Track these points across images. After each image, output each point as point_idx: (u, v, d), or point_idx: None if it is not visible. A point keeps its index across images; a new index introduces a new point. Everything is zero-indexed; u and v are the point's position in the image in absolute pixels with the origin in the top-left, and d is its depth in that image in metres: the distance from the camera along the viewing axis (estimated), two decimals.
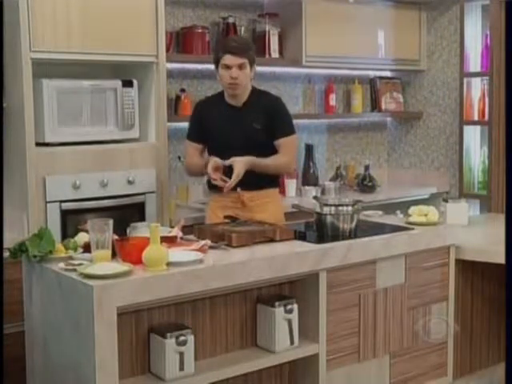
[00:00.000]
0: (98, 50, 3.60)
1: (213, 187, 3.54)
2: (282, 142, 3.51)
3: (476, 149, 5.02)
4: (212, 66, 4.48)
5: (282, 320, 2.79)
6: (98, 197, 3.63)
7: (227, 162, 3.36)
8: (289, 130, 3.55)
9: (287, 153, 3.52)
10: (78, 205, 3.57)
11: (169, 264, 2.51)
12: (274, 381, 2.95)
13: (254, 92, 3.56)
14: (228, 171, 3.38)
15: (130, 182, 3.73)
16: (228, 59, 3.41)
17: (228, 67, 3.41)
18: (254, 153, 3.42)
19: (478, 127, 4.97)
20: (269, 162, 3.46)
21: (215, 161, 3.39)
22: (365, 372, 3.09)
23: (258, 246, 2.87)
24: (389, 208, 4.27)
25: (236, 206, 3.47)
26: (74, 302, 2.41)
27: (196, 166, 3.59)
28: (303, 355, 2.89)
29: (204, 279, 2.54)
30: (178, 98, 4.37)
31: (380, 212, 3.63)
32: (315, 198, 3.40)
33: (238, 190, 3.45)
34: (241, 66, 3.41)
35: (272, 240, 2.93)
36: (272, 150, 3.51)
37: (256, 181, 3.45)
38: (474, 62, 4.94)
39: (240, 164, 3.34)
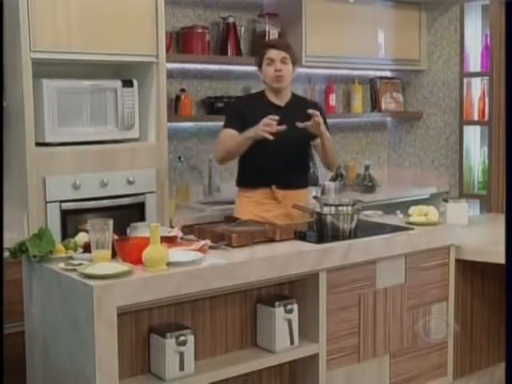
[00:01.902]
0: (98, 50, 3.60)
1: (244, 183, 3.66)
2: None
3: (476, 149, 5.02)
4: (212, 66, 4.54)
5: (282, 320, 2.79)
6: (97, 197, 3.63)
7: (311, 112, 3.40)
8: (329, 130, 3.64)
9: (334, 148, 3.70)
10: (78, 205, 3.57)
11: (169, 264, 2.51)
12: (274, 381, 2.95)
13: (294, 95, 3.72)
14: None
15: (129, 182, 3.73)
16: (272, 53, 3.53)
17: (272, 61, 3.53)
18: (293, 152, 3.57)
19: (478, 127, 4.98)
20: (332, 142, 3.62)
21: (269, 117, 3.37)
22: (365, 372, 3.09)
23: (258, 245, 2.87)
24: (389, 208, 4.27)
25: (269, 202, 3.57)
26: (74, 302, 2.41)
27: (235, 141, 3.50)
28: (303, 355, 2.89)
29: (204, 279, 2.54)
30: (178, 98, 4.37)
31: (380, 212, 3.63)
32: (315, 197, 3.40)
33: (273, 187, 3.57)
34: (284, 60, 3.54)
35: (272, 240, 2.93)
36: (308, 152, 3.72)
37: (290, 180, 3.60)
38: (474, 62, 4.94)
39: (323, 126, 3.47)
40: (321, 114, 3.60)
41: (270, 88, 3.62)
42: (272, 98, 3.62)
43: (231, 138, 3.54)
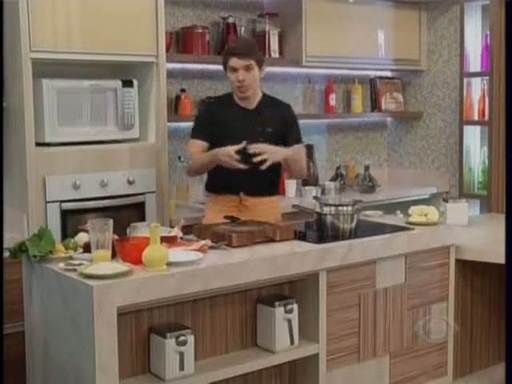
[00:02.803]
0: (98, 49, 3.60)
1: (213, 189, 3.55)
2: (301, 151, 3.55)
3: (476, 149, 5.02)
4: (212, 66, 4.53)
5: (282, 320, 2.79)
6: (97, 197, 3.63)
7: (252, 148, 3.25)
8: (300, 137, 3.59)
9: (304, 160, 3.59)
10: (78, 205, 3.57)
11: (169, 264, 2.51)
12: (274, 381, 2.95)
13: (265, 96, 3.58)
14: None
15: (129, 182, 3.73)
16: (233, 62, 3.39)
17: (235, 70, 3.39)
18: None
19: (478, 127, 4.98)
20: (298, 158, 3.49)
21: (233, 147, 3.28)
22: (365, 372, 3.09)
23: (258, 245, 2.87)
24: (389, 208, 4.27)
25: (239, 210, 3.44)
26: (74, 302, 2.41)
27: (202, 160, 3.42)
28: (303, 355, 2.89)
29: (204, 279, 2.54)
30: (177, 97, 4.37)
31: (380, 212, 3.63)
32: (315, 198, 3.40)
33: (241, 194, 3.47)
34: (247, 68, 3.38)
35: (272, 240, 2.93)
36: None
37: (259, 187, 3.48)
38: (474, 62, 4.94)
39: (280, 153, 3.33)
40: (293, 119, 3.58)
41: (235, 93, 3.50)
42: (240, 101, 3.49)
43: (199, 154, 3.43)
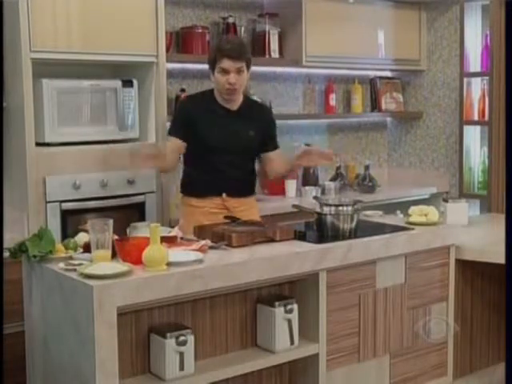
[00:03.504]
0: (97, 49, 3.60)
1: (191, 191, 3.47)
2: (276, 154, 3.59)
3: (476, 149, 5.02)
4: None
5: (282, 320, 2.79)
6: (97, 197, 3.63)
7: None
8: (277, 142, 3.63)
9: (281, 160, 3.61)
10: (78, 205, 3.57)
11: (169, 264, 2.51)
12: (274, 381, 2.95)
13: (246, 98, 3.54)
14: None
15: (129, 182, 3.73)
16: (226, 64, 3.27)
17: (226, 72, 3.29)
18: (248, 158, 3.48)
19: (478, 127, 4.97)
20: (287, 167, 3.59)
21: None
22: (365, 372, 3.09)
23: (258, 245, 2.87)
24: (389, 208, 4.27)
25: (220, 212, 3.36)
26: (74, 302, 2.41)
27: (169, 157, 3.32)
28: (303, 355, 2.89)
29: (204, 279, 2.54)
30: (177, 98, 4.37)
31: (380, 212, 3.63)
32: (315, 198, 3.40)
33: (224, 195, 3.43)
34: (239, 71, 3.30)
35: (272, 240, 2.93)
36: (255, 159, 3.58)
37: (241, 188, 3.48)
38: (474, 62, 4.94)
39: None
40: (273, 124, 3.59)
41: (219, 94, 3.40)
42: (223, 102, 3.41)
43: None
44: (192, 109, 3.44)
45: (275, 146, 3.59)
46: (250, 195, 3.57)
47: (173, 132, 3.45)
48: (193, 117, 3.40)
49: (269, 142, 3.55)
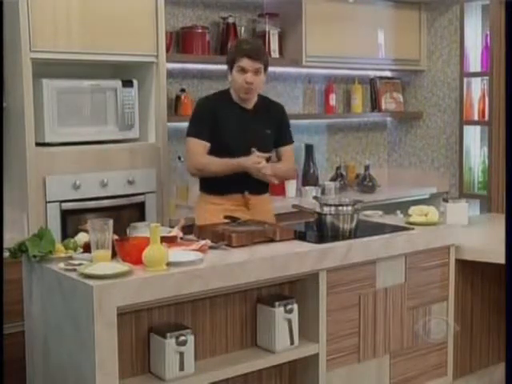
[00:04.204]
0: (98, 49, 3.60)
1: (213, 190, 3.52)
2: (288, 150, 3.62)
3: (476, 149, 5.02)
4: (212, 66, 4.53)
5: (282, 320, 2.79)
6: (97, 197, 3.64)
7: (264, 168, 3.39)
8: (291, 138, 3.66)
9: (291, 160, 3.65)
10: (78, 205, 3.57)
11: (169, 264, 2.51)
12: (274, 381, 2.95)
13: (260, 96, 3.59)
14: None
15: (130, 182, 3.73)
16: (245, 63, 3.37)
17: (244, 71, 3.38)
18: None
19: (478, 127, 4.97)
20: (284, 169, 3.58)
21: (259, 155, 3.39)
22: (365, 372, 3.09)
23: (257, 245, 2.87)
24: (389, 208, 4.27)
25: (239, 209, 3.43)
26: (74, 302, 2.41)
27: (222, 164, 3.39)
28: (303, 355, 2.89)
29: (204, 279, 2.54)
30: (178, 97, 4.37)
31: (380, 212, 3.63)
32: (315, 198, 3.41)
33: (246, 193, 3.49)
34: (257, 71, 3.40)
35: (272, 240, 2.93)
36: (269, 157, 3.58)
37: (260, 185, 3.52)
38: (474, 62, 4.94)
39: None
40: (286, 121, 3.65)
41: (235, 92, 3.49)
42: (239, 101, 3.49)
43: (203, 155, 3.42)
44: (212, 108, 3.50)
45: (289, 142, 3.63)
46: (267, 192, 3.65)
47: (197, 134, 3.47)
48: (214, 116, 3.47)
49: (282, 137, 3.59)
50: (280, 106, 3.70)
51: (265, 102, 3.61)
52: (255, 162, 3.36)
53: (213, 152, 3.45)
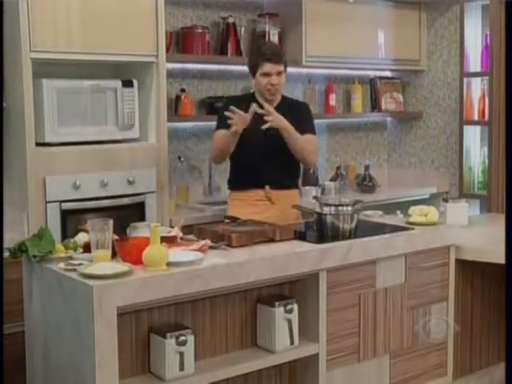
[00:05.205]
0: (97, 49, 3.60)
1: (238, 185, 3.66)
2: (310, 136, 3.64)
3: (476, 149, 5.02)
4: (212, 66, 4.54)
5: (282, 320, 2.79)
6: (98, 197, 3.64)
7: (264, 111, 3.45)
8: (313, 129, 3.70)
9: (314, 143, 3.68)
10: (78, 205, 3.57)
11: (169, 264, 2.51)
12: (274, 381, 2.95)
13: (284, 97, 3.71)
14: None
15: (130, 182, 3.73)
16: (268, 67, 3.53)
17: (267, 75, 3.54)
18: (282, 152, 3.56)
19: (478, 127, 4.97)
20: (300, 137, 3.56)
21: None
22: (365, 372, 3.09)
23: (257, 245, 2.87)
24: (389, 208, 4.27)
25: (263, 204, 3.59)
26: (74, 302, 2.41)
27: (222, 138, 3.54)
28: (303, 355, 2.89)
29: (204, 279, 2.54)
30: (178, 97, 4.37)
31: (380, 212, 3.63)
32: (315, 198, 3.40)
33: (267, 188, 3.59)
34: (279, 73, 3.56)
35: (272, 240, 2.93)
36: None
37: (282, 181, 3.63)
38: (474, 62, 4.94)
39: (283, 121, 3.49)
40: (308, 113, 3.74)
41: (261, 95, 3.62)
42: (262, 102, 3.58)
43: (216, 137, 3.60)
44: (236, 106, 3.52)
45: (310, 131, 3.65)
46: (291, 188, 3.73)
47: (221, 126, 3.58)
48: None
49: (303, 127, 3.61)
50: (303, 104, 3.86)
51: (288, 102, 3.73)
52: (252, 111, 3.44)
53: (237, 151, 3.57)
